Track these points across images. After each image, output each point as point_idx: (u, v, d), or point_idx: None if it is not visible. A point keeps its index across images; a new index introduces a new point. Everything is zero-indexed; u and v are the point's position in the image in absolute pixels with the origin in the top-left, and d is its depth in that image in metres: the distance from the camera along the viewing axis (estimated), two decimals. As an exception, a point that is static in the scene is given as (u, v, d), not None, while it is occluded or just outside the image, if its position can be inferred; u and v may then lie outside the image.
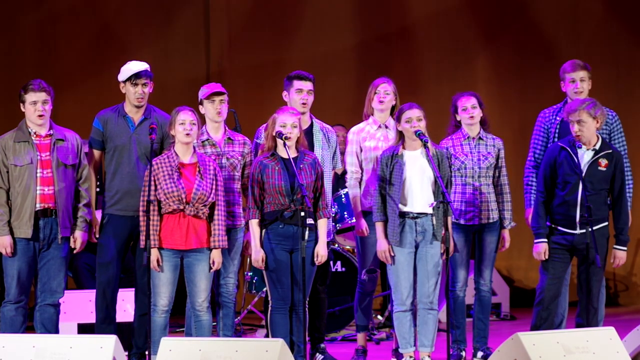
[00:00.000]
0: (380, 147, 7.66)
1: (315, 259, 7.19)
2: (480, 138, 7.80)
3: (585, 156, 7.34)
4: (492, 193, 7.79)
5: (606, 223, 7.39)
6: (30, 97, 7.24)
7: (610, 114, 7.93)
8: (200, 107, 7.47)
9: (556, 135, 7.86)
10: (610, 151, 7.36)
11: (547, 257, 7.40)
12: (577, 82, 7.90)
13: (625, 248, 7.42)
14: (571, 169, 7.32)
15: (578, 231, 7.32)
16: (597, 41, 11.13)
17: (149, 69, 7.56)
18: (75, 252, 7.43)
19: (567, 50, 11.05)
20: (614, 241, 7.45)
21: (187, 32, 11.11)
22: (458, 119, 7.83)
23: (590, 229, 7.18)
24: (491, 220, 7.77)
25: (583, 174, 7.28)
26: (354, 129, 7.89)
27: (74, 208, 7.37)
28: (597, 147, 7.34)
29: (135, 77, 7.49)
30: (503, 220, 7.82)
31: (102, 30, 10.93)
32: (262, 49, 11.12)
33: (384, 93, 7.82)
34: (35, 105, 7.23)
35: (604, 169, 7.34)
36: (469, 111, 7.77)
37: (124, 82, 7.54)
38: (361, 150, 7.82)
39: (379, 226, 7.37)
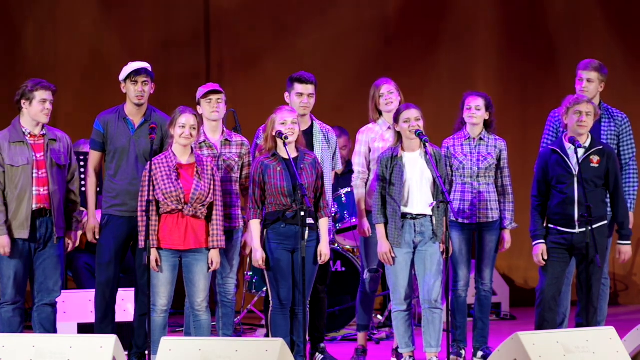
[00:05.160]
0: None
1: (318, 258, 7.20)
2: (481, 138, 7.81)
3: (576, 154, 7.35)
4: (492, 193, 7.80)
5: (605, 222, 7.40)
6: (40, 94, 7.20)
7: (620, 115, 7.94)
8: (198, 107, 7.47)
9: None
10: (601, 147, 7.38)
11: (546, 258, 7.40)
12: (584, 82, 7.88)
13: (629, 242, 7.43)
14: (564, 169, 7.34)
15: (577, 230, 7.33)
16: (597, 42, 11.13)
17: (149, 68, 7.56)
18: (67, 251, 7.43)
19: (567, 51, 11.05)
20: (617, 237, 7.46)
21: (187, 31, 11.10)
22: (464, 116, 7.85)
23: (590, 228, 7.18)
24: (490, 220, 7.78)
25: (576, 172, 7.30)
26: (363, 129, 7.88)
27: (66, 207, 7.37)
28: (587, 144, 7.36)
29: (134, 74, 7.49)
30: (503, 220, 7.82)
31: (103, 31, 10.92)
32: (263, 49, 11.12)
33: (388, 93, 7.81)
34: (45, 104, 7.21)
35: (596, 165, 7.35)
36: (472, 111, 7.78)
37: (124, 81, 7.54)
38: (369, 151, 7.81)
39: (379, 228, 7.36)
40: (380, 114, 7.85)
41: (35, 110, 7.22)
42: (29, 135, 7.26)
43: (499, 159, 7.82)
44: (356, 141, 7.88)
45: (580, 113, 7.32)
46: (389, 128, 7.79)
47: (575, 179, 7.31)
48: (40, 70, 10.30)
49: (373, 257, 7.74)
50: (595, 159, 7.37)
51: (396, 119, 7.38)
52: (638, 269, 11.26)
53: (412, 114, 7.32)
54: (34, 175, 7.22)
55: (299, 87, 7.67)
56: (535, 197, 7.47)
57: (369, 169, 7.81)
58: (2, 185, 7.20)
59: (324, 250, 7.21)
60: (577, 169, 7.31)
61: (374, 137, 7.82)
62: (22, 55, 10.76)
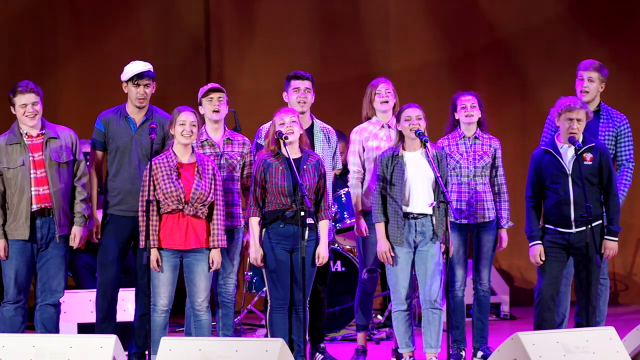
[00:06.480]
0: (383, 147, 7.66)
1: (316, 260, 7.20)
2: (476, 137, 7.82)
3: (568, 153, 7.36)
4: (488, 192, 7.81)
5: (601, 221, 7.39)
6: (19, 99, 7.23)
7: (620, 116, 7.94)
8: (200, 107, 7.48)
9: None
10: (593, 144, 7.39)
11: (543, 258, 7.41)
12: (584, 82, 7.90)
13: (615, 239, 7.41)
14: (557, 169, 7.35)
15: (574, 230, 7.34)
16: (596, 42, 11.13)
17: (151, 70, 7.57)
18: (75, 247, 7.43)
19: (566, 50, 11.05)
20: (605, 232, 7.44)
21: (187, 31, 11.10)
22: (457, 117, 7.85)
23: (590, 227, 7.18)
24: (487, 220, 7.78)
25: (570, 171, 7.31)
26: (357, 128, 7.89)
27: (71, 205, 7.37)
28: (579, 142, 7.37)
29: (137, 78, 7.50)
30: (500, 219, 7.83)
31: (103, 30, 10.93)
32: (262, 50, 11.12)
33: (385, 92, 7.83)
34: (25, 108, 7.23)
35: (590, 162, 7.36)
36: (468, 110, 7.79)
37: (126, 82, 7.55)
38: (364, 150, 7.83)
39: (379, 227, 7.37)
40: (375, 113, 7.86)
41: (19, 115, 7.26)
42: (26, 136, 7.27)
43: (494, 158, 7.83)
44: (350, 141, 7.90)
45: (572, 120, 7.32)
46: (382, 127, 7.81)
47: (570, 179, 7.33)
48: (39, 70, 10.32)
49: (371, 257, 7.75)
50: (588, 156, 7.38)
51: (398, 117, 7.39)
52: (638, 269, 11.26)
53: (414, 112, 7.33)
54: (32, 175, 7.23)
55: (295, 83, 7.71)
56: (529, 198, 7.48)
57: (364, 168, 7.82)
58: (1, 188, 7.21)
59: (322, 253, 7.21)
60: (570, 168, 7.32)
61: (367, 136, 7.83)
62: (21, 56, 10.77)
